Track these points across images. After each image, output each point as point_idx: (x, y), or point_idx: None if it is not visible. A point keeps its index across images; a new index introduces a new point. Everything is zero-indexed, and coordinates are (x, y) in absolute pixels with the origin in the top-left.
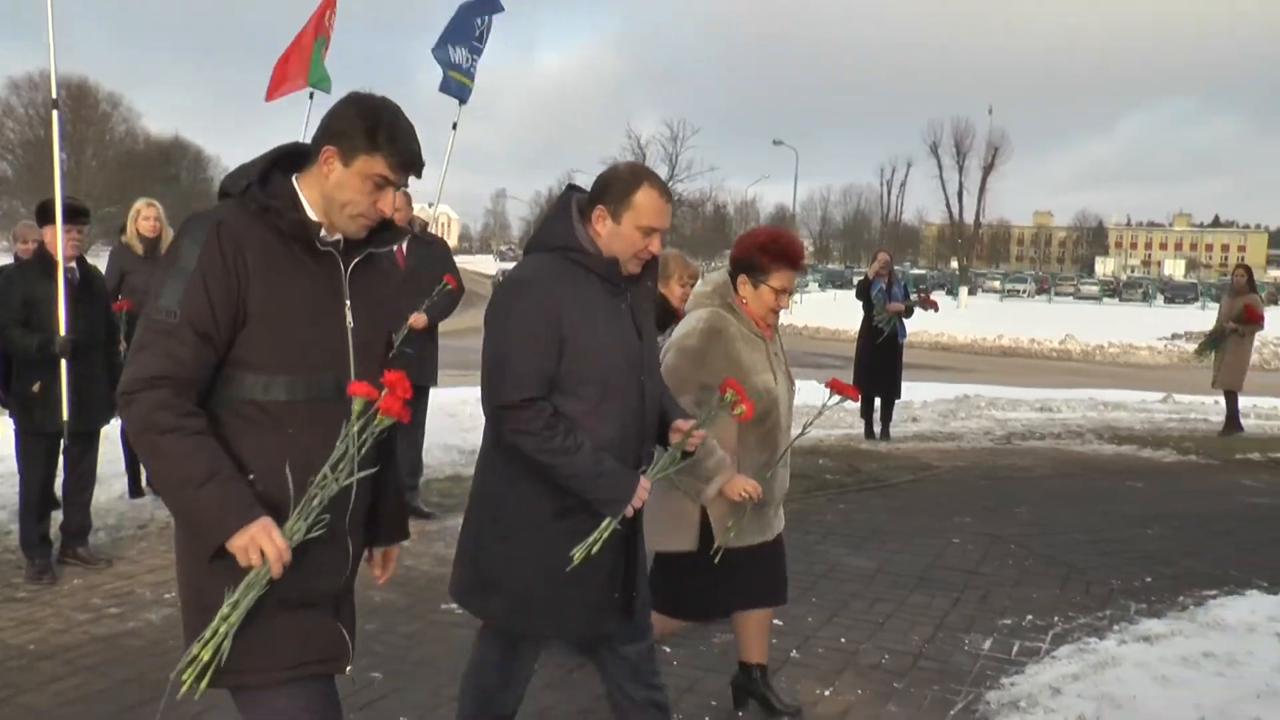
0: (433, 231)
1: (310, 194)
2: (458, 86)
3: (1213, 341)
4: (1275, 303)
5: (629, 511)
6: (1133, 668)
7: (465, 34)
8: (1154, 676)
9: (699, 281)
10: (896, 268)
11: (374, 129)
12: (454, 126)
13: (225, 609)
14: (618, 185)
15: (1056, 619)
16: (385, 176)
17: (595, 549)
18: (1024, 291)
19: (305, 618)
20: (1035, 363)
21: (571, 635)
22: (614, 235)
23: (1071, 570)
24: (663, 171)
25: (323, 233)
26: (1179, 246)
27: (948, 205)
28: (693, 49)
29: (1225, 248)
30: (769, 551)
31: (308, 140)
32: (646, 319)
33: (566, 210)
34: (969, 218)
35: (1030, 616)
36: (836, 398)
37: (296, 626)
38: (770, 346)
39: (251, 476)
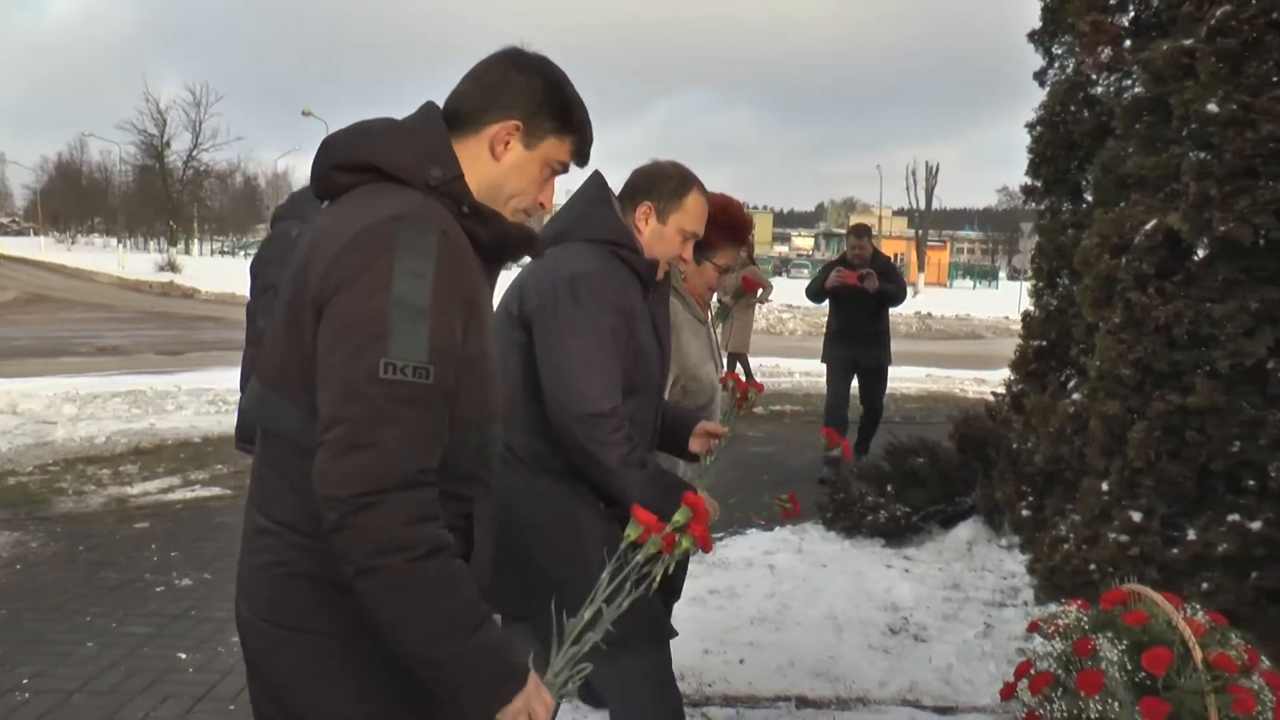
0: None
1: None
2: None
3: (723, 312)
4: (779, 274)
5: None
6: None
7: None
8: None
9: None
10: None
11: (569, 106)
12: None
13: None
14: (668, 184)
15: None
16: (565, 164)
17: (672, 568)
18: None
19: None
20: None
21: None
22: (657, 236)
23: None
24: (185, 140)
25: None
26: None
27: None
28: (215, 8)
29: None
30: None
31: None
32: (664, 325)
33: (608, 200)
34: None
35: None
36: (836, 449)
37: None
38: (708, 331)
39: None
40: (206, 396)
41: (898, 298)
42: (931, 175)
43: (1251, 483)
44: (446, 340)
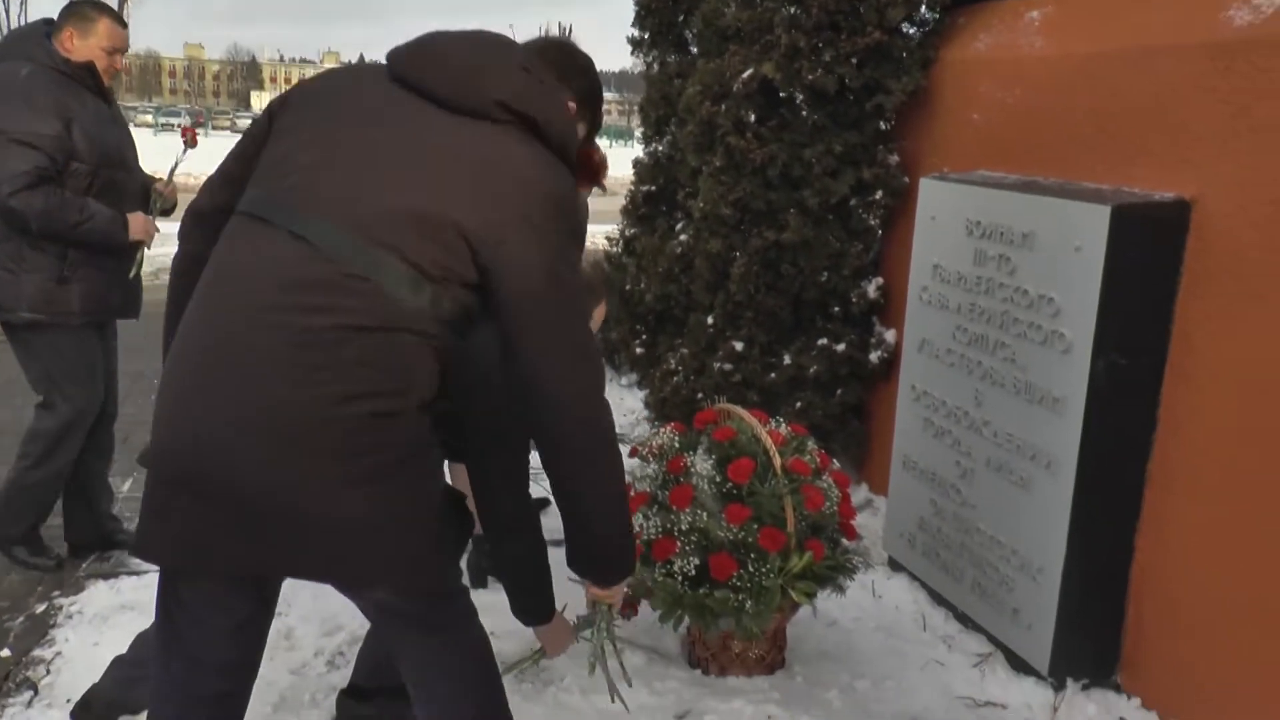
0: None
1: None
2: None
3: None
4: None
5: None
6: None
7: None
8: None
9: None
10: None
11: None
12: None
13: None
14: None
15: None
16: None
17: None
18: (178, 125)
19: None
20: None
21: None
22: None
23: None
24: None
25: None
26: None
27: None
28: None
29: None
30: None
31: None
32: None
33: None
34: None
35: None
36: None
37: None
38: None
39: None
40: None
41: None
42: (564, 37)
43: (837, 309)
44: None
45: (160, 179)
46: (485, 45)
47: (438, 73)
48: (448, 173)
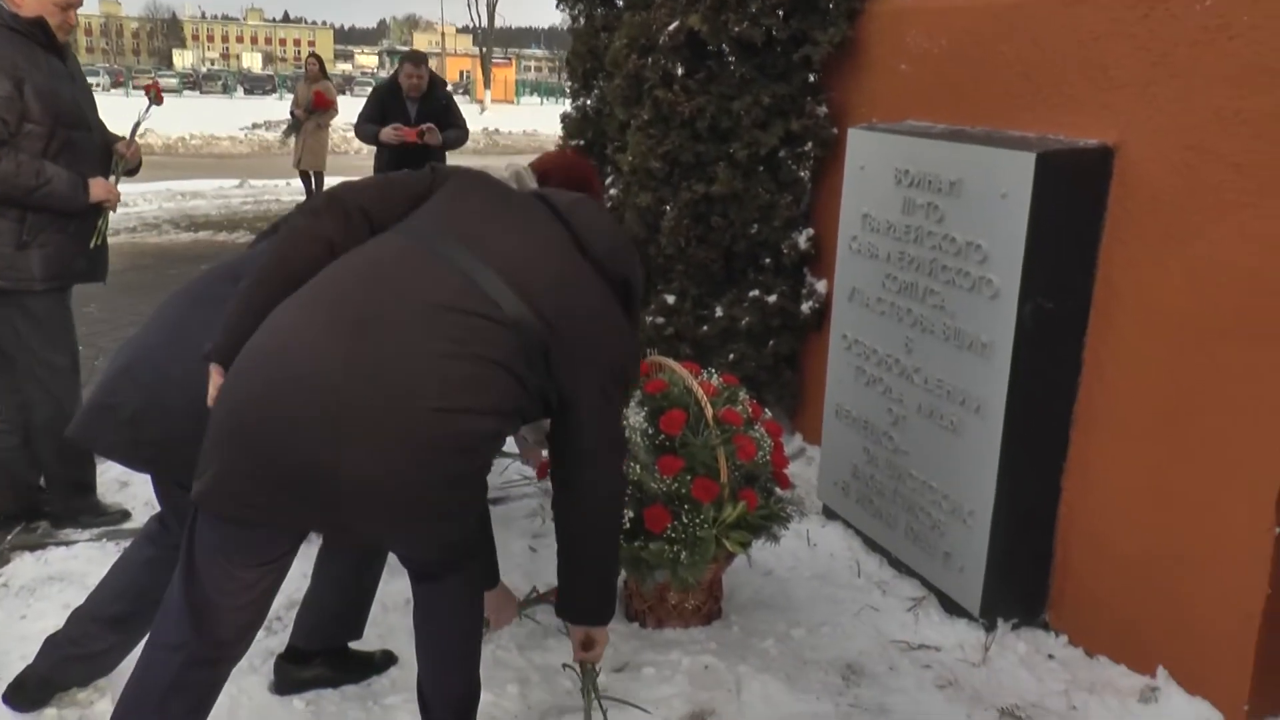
0: None
1: None
2: None
3: (294, 126)
4: (344, 92)
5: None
6: None
7: None
8: None
9: None
10: None
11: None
12: None
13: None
14: None
15: None
16: None
17: None
18: (99, 85)
19: None
20: None
21: None
22: None
23: None
24: None
25: None
26: (255, 40)
27: None
28: None
29: (298, 42)
30: None
31: None
32: None
33: None
34: None
35: None
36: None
37: None
38: None
39: None
40: None
41: (460, 141)
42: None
43: (768, 261)
44: None
45: (122, 139)
46: (623, 233)
47: (595, 238)
48: (574, 302)
